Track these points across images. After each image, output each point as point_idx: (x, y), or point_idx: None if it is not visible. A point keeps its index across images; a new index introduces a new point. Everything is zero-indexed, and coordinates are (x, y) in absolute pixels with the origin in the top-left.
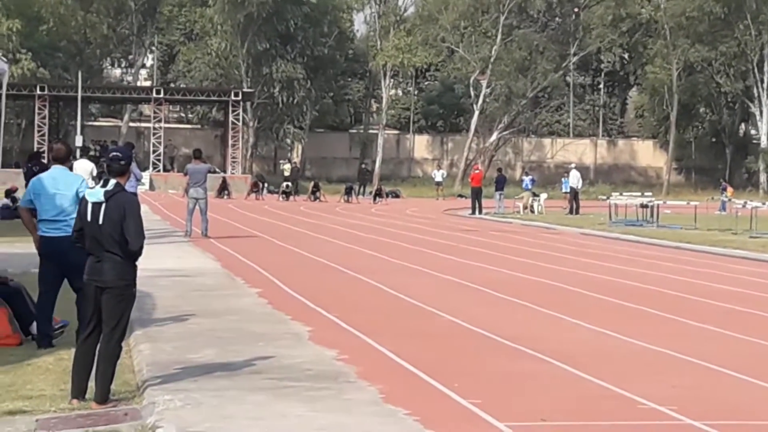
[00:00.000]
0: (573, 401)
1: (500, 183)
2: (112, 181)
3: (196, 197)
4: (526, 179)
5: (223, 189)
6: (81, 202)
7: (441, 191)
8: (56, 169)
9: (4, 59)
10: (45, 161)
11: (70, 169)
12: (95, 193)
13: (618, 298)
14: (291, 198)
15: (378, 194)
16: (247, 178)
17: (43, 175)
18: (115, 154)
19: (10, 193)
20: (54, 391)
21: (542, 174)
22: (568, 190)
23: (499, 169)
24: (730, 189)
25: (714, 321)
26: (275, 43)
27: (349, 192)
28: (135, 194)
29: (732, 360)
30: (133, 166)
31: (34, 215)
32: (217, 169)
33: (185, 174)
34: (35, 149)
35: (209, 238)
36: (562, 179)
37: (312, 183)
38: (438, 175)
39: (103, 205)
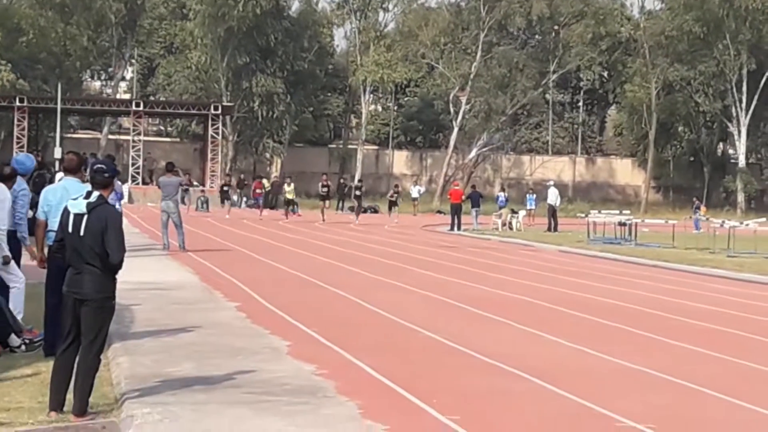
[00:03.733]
0: (551, 418)
1: (475, 200)
2: (95, 193)
3: (167, 211)
4: (501, 195)
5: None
6: (63, 212)
7: (416, 207)
8: (68, 180)
9: None
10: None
11: (83, 180)
12: (77, 204)
13: (596, 315)
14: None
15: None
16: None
17: (55, 186)
18: (99, 166)
19: None
20: (32, 403)
21: (521, 191)
22: (532, 207)
23: (473, 186)
24: (703, 207)
25: (691, 339)
26: (255, 58)
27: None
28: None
29: (709, 378)
30: (117, 183)
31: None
32: (189, 183)
33: (159, 187)
34: None
35: (187, 251)
36: (527, 195)
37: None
38: (414, 191)
39: (85, 217)
